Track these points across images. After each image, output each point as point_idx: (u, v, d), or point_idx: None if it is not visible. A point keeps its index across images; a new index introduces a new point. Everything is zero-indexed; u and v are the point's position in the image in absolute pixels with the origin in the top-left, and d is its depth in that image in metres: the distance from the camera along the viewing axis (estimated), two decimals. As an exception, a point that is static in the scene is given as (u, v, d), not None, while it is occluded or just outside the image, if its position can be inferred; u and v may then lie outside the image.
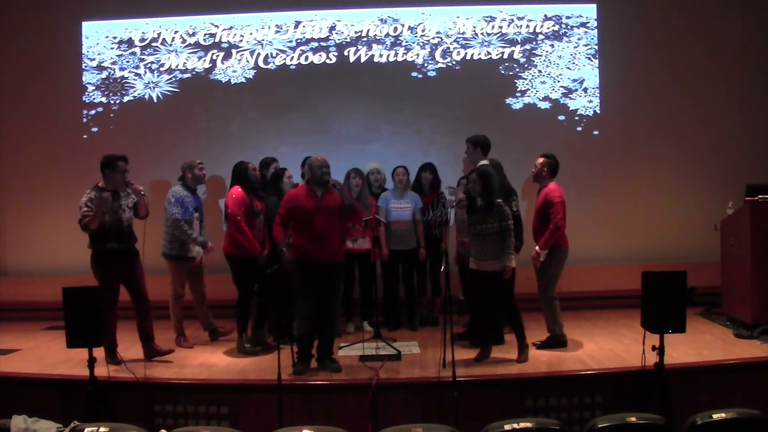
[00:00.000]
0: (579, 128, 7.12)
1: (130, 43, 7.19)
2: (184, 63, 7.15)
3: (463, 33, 7.10)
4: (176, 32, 7.16)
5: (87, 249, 5.04)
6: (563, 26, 7.11)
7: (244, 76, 7.16)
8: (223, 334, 5.79)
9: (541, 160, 5.34)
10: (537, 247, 5.14)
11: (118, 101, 7.20)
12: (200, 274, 5.77)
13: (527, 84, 7.10)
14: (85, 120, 7.21)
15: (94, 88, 7.21)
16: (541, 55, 7.10)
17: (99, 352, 4.19)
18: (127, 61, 7.19)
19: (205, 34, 7.15)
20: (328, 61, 7.12)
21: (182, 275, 5.63)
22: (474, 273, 4.99)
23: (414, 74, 7.11)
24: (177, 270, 5.61)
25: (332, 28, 7.13)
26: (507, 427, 2.82)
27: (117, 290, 5.03)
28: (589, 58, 7.12)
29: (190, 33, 7.16)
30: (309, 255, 4.75)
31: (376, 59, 7.12)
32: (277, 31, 7.14)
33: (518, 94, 7.10)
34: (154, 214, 5.29)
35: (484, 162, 5.36)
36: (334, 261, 4.84)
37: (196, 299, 5.77)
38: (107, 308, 4.86)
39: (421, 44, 7.11)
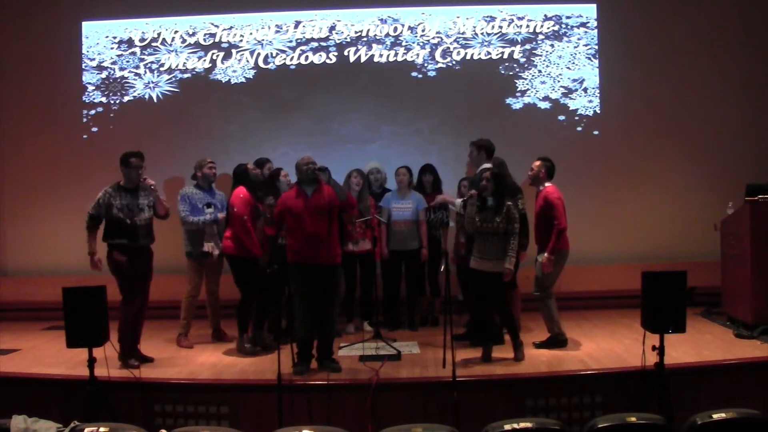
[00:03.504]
0: (579, 128, 7.11)
1: (130, 43, 7.19)
2: (184, 63, 7.15)
3: (463, 33, 7.10)
4: (176, 32, 7.16)
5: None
6: (563, 26, 7.11)
7: (244, 76, 7.15)
8: (226, 339, 5.79)
9: (537, 162, 5.35)
10: (545, 254, 5.10)
11: (118, 101, 7.20)
12: (216, 273, 5.79)
13: (527, 84, 7.10)
14: (85, 120, 7.21)
15: (94, 88, 7.21)
16: (541, 55, 7.10)
17: (99, 352, 4.18)
18: (127, 61, 7.19)
19: (205, 34, 7.15)
20: (328, 61, 7.12)
21: (195, 274, 5.65)
22: (473, 272, 5.00)
23: (414, 74, 7.11)
24: (190, 268, 5.65)
25: (332, 28, 7.13)
26: (507, 427, 2.82)
27: (135, 284, 4.97)
28: (589, 58, 7.12)
29: (190, 33, 7.16)
30: (303, 256, 4.74)
31: (376, 59, 7.11)
32: (277, 31, 7.14)
33: (518, 94, 7.10)
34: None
35: (487, 165, 5.36)
36: (330, 263, 4.81)
37: (207, 298, 5.81)
38: (129, 307, 4.90)
39: (421, 44, 7.10)
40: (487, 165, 5.38)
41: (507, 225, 4.88)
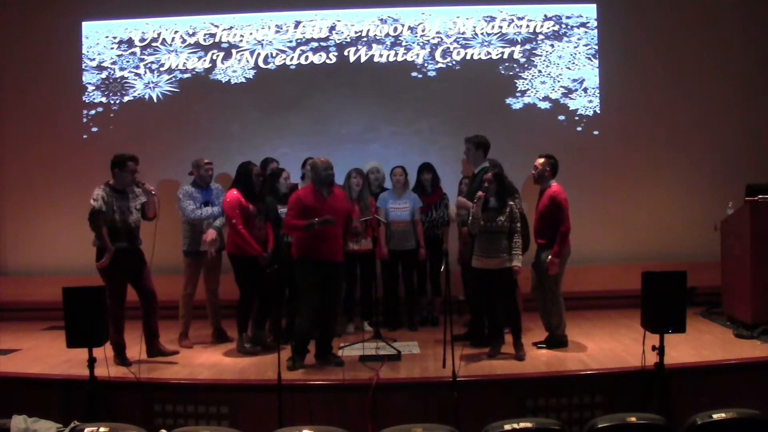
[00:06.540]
0: (579, 128, 7.12)
1: (130, 43, 7.19)
2: (184, 63, 7.15)
3: (463, 33, 7.11)
4: (176, 32, 7.16)
5: (88, 248, 5.04)
6: (563, 26, 7.11)
7: (244, 76, 7.15)
8: (226, 339, 5.78)
9: (542, 160, 5.31)
10: (551, 256, 5.06)
11: (118, 101, 7.20)
12: (215, 272, 5.79)
13: (527, 84, 7.10)
14: (85, 120, 7.21)
15: (94, 88, 7.21)
16: (541, 55, 7.10)
17: (99, 352, 4.18)
18: (127, 61, 7.19)
19: (205, 34, 7.15)
20: (328, 61, 7.12)
21: (193, 272, 5.66)
22: (478, 271, 5.00)
23: (414, 74, 7.11)
24: (188, 267, 5.66)
25: (332, 28, 7.13)
26: (507, 427, 2.82)
27: (124, 290, 5.03)
28: (589, 58, 7.12)
29: (190, 33, 7.16)
30: (314, 253, 4.80)
31: (376, 59, 7.11)
32: (277, 31, 7.14)
33: (518, 94, 7.10)
34: (165, 215, 5.24)
35: (486, 164, 5.35)
36: (337, 259, 4.93)
37: (207, 297, 5.81)
38: (115, 309, 4.89)
39: (421, 44, 7.11)
40: (486, 164, 5.36)
41: (510, 224, 4.92)
